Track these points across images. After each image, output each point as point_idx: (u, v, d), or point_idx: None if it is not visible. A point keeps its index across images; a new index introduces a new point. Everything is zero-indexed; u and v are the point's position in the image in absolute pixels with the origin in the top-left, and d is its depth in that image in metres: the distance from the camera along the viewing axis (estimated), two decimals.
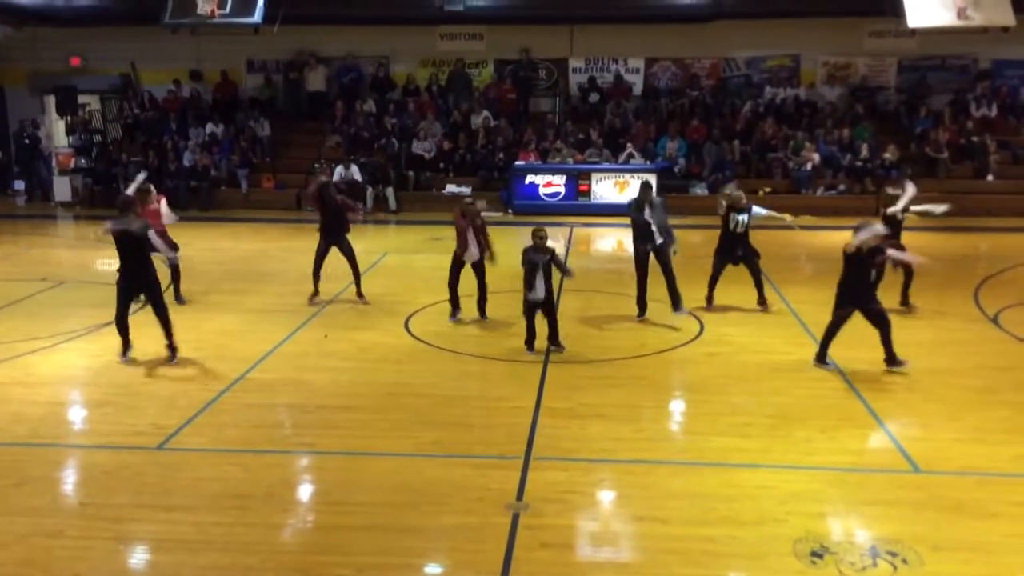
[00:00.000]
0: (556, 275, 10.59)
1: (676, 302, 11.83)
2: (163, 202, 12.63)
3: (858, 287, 9.68)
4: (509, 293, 11.95)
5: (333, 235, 12.64)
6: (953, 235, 17.88)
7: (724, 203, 11.99)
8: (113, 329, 10.41)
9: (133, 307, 10.38)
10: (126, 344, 10.39)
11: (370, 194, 21.44)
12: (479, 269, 11.78)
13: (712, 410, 8.97)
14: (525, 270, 10.34)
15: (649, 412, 8.94)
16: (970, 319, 12.14)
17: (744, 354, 10.64)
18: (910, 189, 11.85)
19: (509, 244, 10.95)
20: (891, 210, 11.71)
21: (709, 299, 12.36)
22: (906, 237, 11.99)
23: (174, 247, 11.83)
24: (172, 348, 10.35)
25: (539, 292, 10.31)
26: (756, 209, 12.08)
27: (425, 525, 6.70)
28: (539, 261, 10.26)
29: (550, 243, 10.47)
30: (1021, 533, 6.49)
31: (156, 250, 10.29)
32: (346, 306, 12.73)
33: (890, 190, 12.18)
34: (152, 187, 12.84)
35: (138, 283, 10.17)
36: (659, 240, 11.61)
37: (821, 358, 9.97)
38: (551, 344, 10.56)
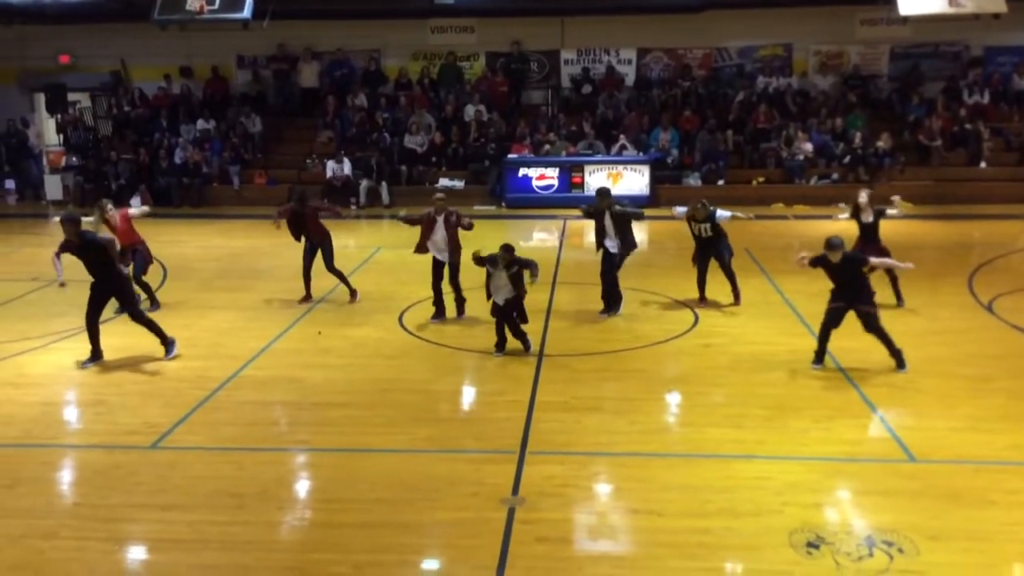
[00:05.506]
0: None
1: (607, 306, 11.85)
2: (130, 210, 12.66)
3: (846, 290, 9.50)
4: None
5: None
6: (946, 223, 17.87)
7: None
8: (103, 329, 10.35)
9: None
10: (95, 351, 10.21)
11: (363, 189, 21.38)
12: (451, 269, 11.66)
13: (707, 401, 8.97)
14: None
15: (644, 404, 8.92)
16: (964, 307, 12.13)
17: (738, 345, 10.62)
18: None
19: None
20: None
21: (702, 297, 12.32)
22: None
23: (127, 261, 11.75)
24: (167, 343, 10.29)
25: (496, 298, 10.31)
26: (720, 212, 12.02)
27: (421, 521, 6.68)
28: (492, 272, 10.25)
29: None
30: (1018, 521, 6.49)
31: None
32: (339, 303, 12.68)
33: (862, 199, 11.73)
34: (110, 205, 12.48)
35: (107, 293, 10.20)
36: (613, 248, 11.63)
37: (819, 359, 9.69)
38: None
